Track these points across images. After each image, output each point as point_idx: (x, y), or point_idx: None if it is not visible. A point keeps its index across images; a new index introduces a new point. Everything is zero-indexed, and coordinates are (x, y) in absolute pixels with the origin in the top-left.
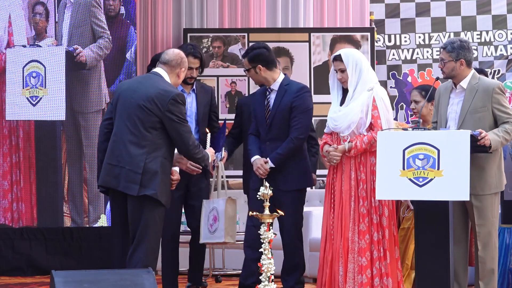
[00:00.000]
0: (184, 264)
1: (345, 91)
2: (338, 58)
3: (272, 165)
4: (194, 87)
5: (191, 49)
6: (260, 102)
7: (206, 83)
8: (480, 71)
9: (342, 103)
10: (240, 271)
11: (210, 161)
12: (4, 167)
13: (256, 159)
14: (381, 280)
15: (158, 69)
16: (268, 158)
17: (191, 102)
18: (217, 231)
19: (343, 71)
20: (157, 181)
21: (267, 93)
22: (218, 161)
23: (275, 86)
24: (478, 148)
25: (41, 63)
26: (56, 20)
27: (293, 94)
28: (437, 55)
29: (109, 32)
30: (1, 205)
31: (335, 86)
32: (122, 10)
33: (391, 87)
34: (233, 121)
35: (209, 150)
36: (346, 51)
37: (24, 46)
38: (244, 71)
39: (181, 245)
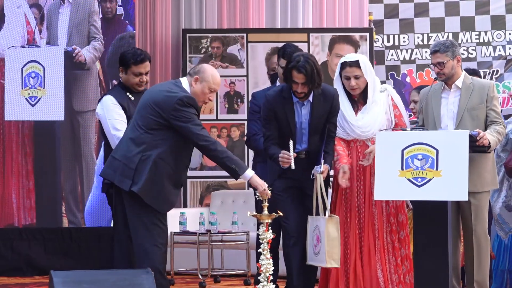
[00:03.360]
0: (184, 264)
1: (349, 97)
2: (354, 65)
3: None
4: (311, 96)
5: (297, 62)
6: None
7: None
8: (473, 72)
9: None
10: (238, 271)
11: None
12: (28, 167)
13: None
14: (409, 276)
15: (181, 78)
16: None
17: (306, 114)
18: (320, 254)
19: (358, 77)
20: (143, 179)
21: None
22: (317, 173)
23: None
24: (476, 148)
25: (40, 64)
26: (50, 22)
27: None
28: None
29: (102, 36)
30: (26, 205)
31: (342, 94)
32: (120, 11)
33: None
34: (242, 122)
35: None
36: (362, 57)
37: (23, 47)
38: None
39: (181, 245)
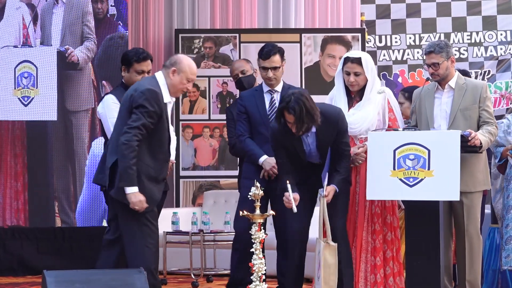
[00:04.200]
0: (176, 264)
1: (348, 94)
2: (356, 61)
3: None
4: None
5: (287, 103)
6: (261, 103)
7: (198, 83)
8: (463, 73)
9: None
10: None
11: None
12: (17, 168)
13: (267, 158)
14: (395, 280)
15: (157, 72)
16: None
17: (312, 142)
18: (319, 280)
19: (358, 74)
20: (118, 182)
21: (271, 94)
22: (321, 197)
23: (279, 87)
24: (468, 148)
25: (32, 64)
26: (44, 22)
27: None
28: None
29: (95, 36)
30: (13, 206)
31: (341, 88)
32: (113, 11)
33: None
34: (227, 125)
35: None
36: (365, 55)
37: (16, 47)
38: (266, 69)
39: (173, 245)
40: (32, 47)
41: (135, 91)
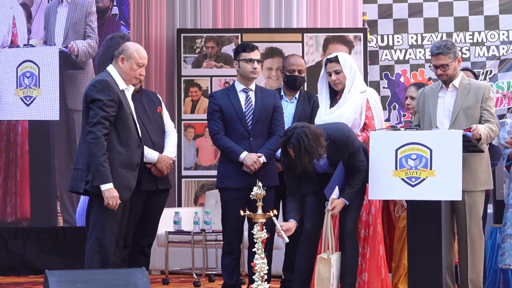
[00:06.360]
0: (178, 264)
1: (331, 95)
2: (334, 60)
3: (265, 160)
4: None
5: (288, 137)
6: (235, 100)
7: (200, 83)
8: (469, 70)
9: (330, 106)
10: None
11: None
12: (20, 168)
13: (248, 154)
14: (360, 276)
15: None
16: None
17: (325, 164)
18: None
19: (338, 72)
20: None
21: (246, 92)
22: (326, 210)
23: (253, 86)
24: (470, 148)
25: (34, 63)
26: (47, 21)
27: (272, 96)
28: (429, 55)
29: (97, 36)
30: (16, 205)
31: (324, 90)
32: (115, 11)
33: (383, 87)
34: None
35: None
36: (342, 54)
37: (18, 46)
38: (252, 61)
39: (175, 244)
40: (34, 46)
41: (87, 88)
